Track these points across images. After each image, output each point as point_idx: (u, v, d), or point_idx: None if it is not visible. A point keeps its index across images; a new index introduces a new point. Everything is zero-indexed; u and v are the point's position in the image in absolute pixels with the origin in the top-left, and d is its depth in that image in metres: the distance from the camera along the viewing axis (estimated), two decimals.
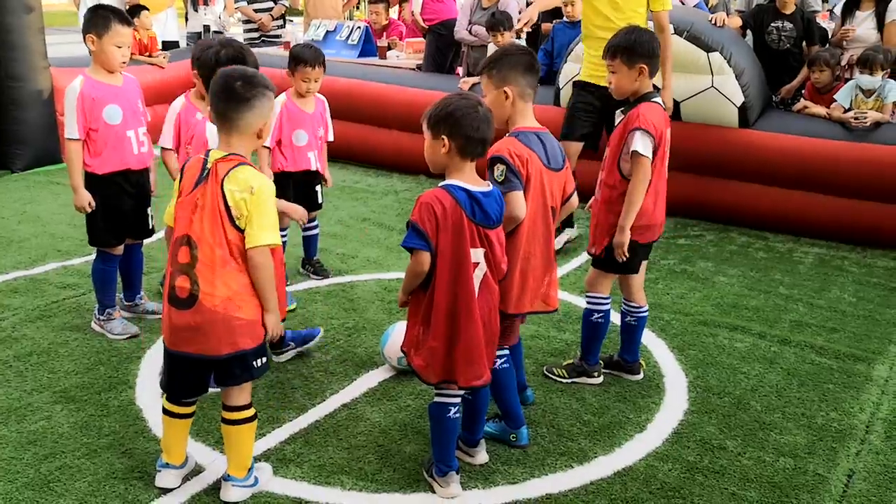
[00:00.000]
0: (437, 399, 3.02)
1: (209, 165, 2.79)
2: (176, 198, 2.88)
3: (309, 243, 5.29)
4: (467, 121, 2.84)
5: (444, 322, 2.89)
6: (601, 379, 3.93)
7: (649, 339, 4.44)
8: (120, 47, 4.11)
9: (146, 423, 3.49)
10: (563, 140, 5.48)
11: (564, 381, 3.93)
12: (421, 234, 2.82)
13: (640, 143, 3.54)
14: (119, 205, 4.21)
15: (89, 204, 4.12)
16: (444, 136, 2.86)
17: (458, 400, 3.02)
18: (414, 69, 8.36)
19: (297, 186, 4.96)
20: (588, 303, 3.90)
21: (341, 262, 5.54)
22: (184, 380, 2.96)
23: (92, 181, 4.14)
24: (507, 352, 3.31)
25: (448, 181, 2.90)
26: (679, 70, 6.31)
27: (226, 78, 2.82)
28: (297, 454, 3.30)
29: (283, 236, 5.12)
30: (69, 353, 4.10)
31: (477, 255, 2.90)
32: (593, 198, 3.86)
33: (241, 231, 2.77)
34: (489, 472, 3.21)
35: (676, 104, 6.42)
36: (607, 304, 3.86)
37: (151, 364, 4.01)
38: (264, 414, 3.57)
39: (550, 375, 3.97)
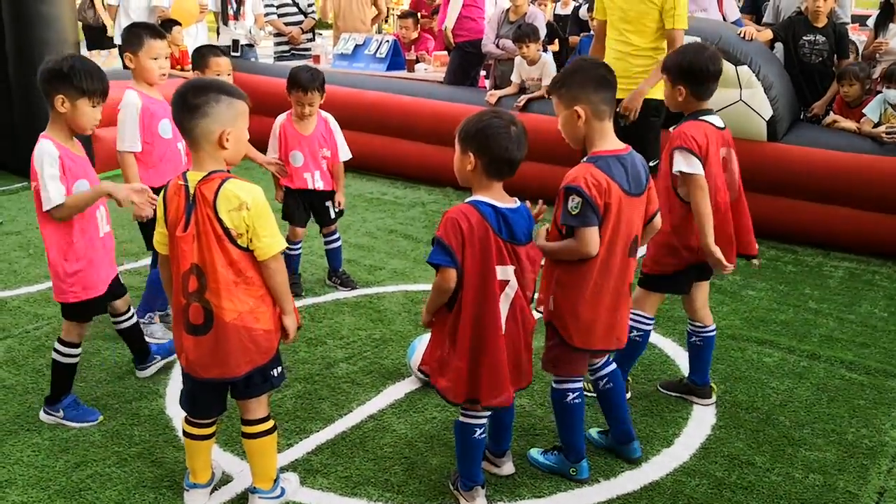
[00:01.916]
0: (462, 419, 3.01)
1: (192, 191, 2.69)
2: (163, 225, 2.79)
3: (332, 256, 5.32)
4: (497, 140, 2.76)
5: (469, 341, 2.84)
6: (629, 394, 3.91)
7: (676, 351, 4.42)
8: (156, 59, 4.20)
9: (176, 433, 3.53)
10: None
11: (591, 394, 3.91)
12: (446, 249, 2.77)
13: (682, 163, 3.43)
14: None
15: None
16: (471, 153, 2.80)
17: (483, 420, 3.00)
18: (441, 82, 8.41)
19: (301, 202, 5.13)
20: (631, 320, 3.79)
21: (368, 273, 5.57)
22: (206, 401, 2.95)
23: None
24: (579, 384, 3.19)
25: (474, 197, 2.85)
26: None
27: (179, 89, 2.74)
28: (325, 465, 3.33)
29: (295, 250, 5.19)
30: (101, 363, 4.16)
31: (506, 272, 2.83)
32: None
33: (244, 249, 2.71)
34: (515, 486, 3.21)
35: None
36: (650, 324, 3.75)
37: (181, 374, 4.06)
38: (292, 424, 3.61)
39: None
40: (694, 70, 3.50)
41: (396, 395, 3.89)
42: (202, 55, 4.87)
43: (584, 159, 3.05)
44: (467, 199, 2.86)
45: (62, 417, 3.57)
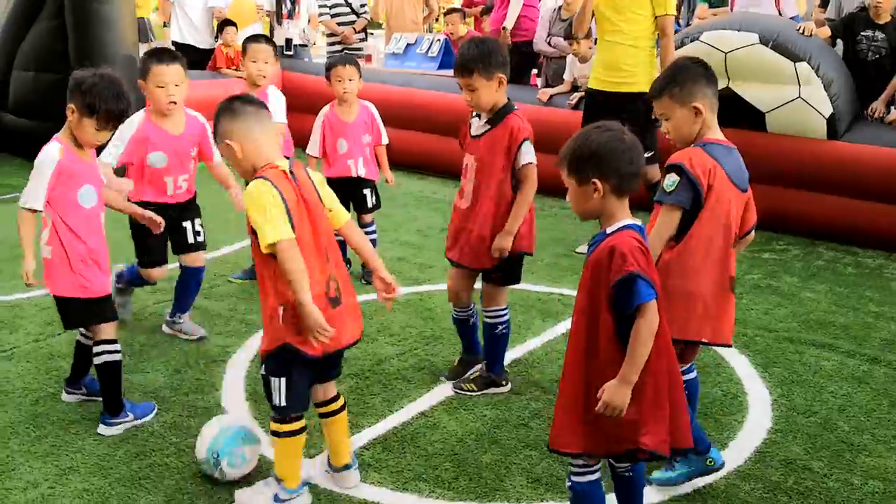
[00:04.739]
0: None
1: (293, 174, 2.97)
2: (284, 211, 2.82)
3: None
4: (617, 154, 2.48)
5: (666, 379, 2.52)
6: (509, 386, 3.89)
7: (731, 355, 4.35)
8: (162, 87, 4.06)
9: None
10: None
11: (474, 394, 3.87)
12: (648, 282, 2.41)
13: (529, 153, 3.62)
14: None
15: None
16: (596, 179, 2.48)
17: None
18: None
19: (340, 192, 5.15)
20: (489, 317, 3.83)
21: (419, 271, 5.59)
22: (307, 388, 3.02)
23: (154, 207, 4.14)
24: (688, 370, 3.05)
25: (622, 222, 2.50)
26: (765, 80, 6.20)
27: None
28: (376, 460, 3.35)
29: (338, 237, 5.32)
30: (159, 356, 4.25)
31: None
32: None
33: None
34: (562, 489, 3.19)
35: (761, 115, 6.30)
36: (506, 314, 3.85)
37: (236, 367, 4.14)
38: None
39: (460, 391, 3.88)
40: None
41: (447, 393, 3.90)
42: (243, 44, 5.21)
43: (693, 144, 3.00)
44: (618, 225, 2.50)
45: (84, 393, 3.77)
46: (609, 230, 2.50)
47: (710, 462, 3.13)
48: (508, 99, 3.74)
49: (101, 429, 3.52)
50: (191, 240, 4.38)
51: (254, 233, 2.86)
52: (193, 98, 4.50)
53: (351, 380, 4.00)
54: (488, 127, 3.69)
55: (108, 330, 3.54)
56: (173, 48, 7.41)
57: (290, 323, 2.85)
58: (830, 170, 6.18)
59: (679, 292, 2.90)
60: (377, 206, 5.42)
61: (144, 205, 4.05)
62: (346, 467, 3.16)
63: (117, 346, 3.56)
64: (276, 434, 2.99)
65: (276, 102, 5.00)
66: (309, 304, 2.78)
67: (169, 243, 4.35)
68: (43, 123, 7.63)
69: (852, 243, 6.25)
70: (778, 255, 6.03)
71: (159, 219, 3.92)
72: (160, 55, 4.18)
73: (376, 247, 5.43)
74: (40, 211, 3.39)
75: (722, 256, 2.97)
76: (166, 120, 4.18)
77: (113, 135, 3.69)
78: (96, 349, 3.53)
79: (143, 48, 10.41)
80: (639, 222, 2.54)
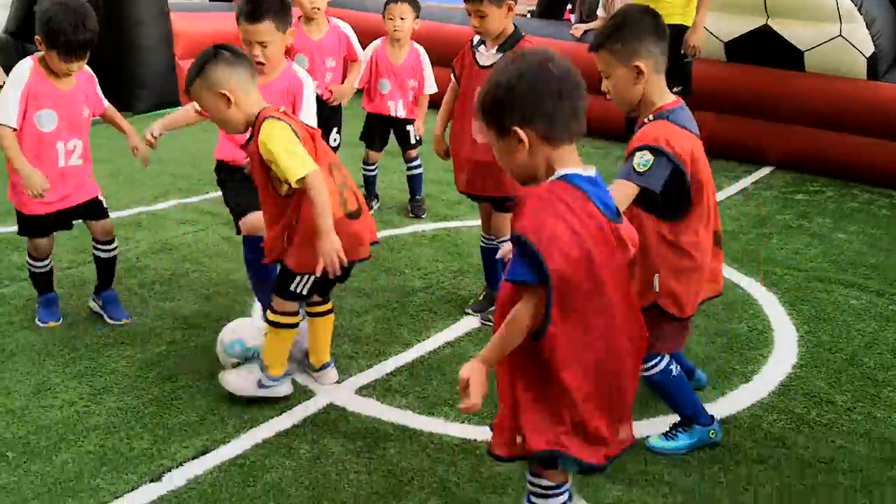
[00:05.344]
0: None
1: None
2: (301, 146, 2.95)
3: (413, 181, 5.51)
4: (540, 90, 1.96)
5: None
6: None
7: (760, 292, 4.33)
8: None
9: None
10: None
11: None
12: (537, 258, 1.96)
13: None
14: None
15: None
16: (517, 128, 1.97)
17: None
18: (525, 15, 8.28)
19: (379, 126, 5.36)
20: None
21: (447, 208, 5.59)
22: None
23: None
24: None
25: (561, 171, 2.02)
26: (804, 17, 6.05)
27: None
28: (403, 386, 3.41)
29: (372, 171, 5.45)
30: (189, 284, 4.32)
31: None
32: None
33: None
34: None
35: (800, 54, 6.16)
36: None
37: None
38: (372, 347, 3.70)
39: (486, 323, 3.89)
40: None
41: (472, 324, 3.94)
42: None
43: (652, 117, 2.72)
44: (550, 179, 2.03)
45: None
46: (546, 181, 2.03)
47: (713, 434, 3.02)
48: (516, 26, 3.70)
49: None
50: None
51: (263, 168, 2.96)
52: None
53: (378, 310, 4.05)
54: (500, 55, 3.63)
55: (30, 245, 3.77)
56: None
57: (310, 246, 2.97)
58: (869, 111, 6.04)
59: (685, 269, 2.77)
60: (420, 142, 5.41)
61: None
62: (325, 366, 3.41)
63: (42, 263, 3.83)
64: (276, 325, 3.18)
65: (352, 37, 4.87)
66: (330, 231, 2.89)
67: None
68: None
69: (888, 185, 6.13)
70: (811, 197, 5.95)
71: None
72: None
73: (421, 182, 5.47)
74: (14, 128, 3.45)
75: (713, 219, 2.84)
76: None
77: (84, 62, 3.56)
78: (27, 259, 3.84)
79: None
80: (590, 173, 2.04)
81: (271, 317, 3.18)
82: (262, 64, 3.49)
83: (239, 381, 3.22)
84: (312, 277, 3.06)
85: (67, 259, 4.51)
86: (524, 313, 1.97)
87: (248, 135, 3.06)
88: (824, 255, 4.88)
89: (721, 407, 3.29)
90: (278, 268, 3.23)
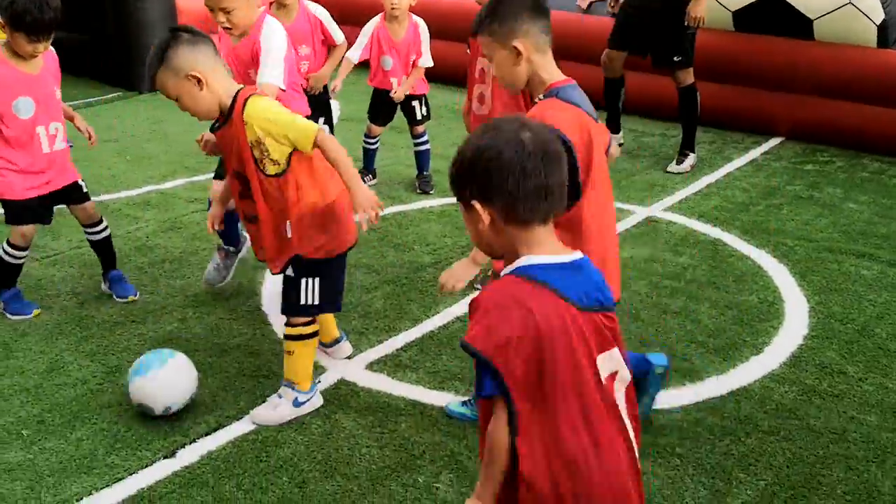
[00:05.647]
0: None
1: None
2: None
3: (420, 157, 5.49)
4: (503, 167, 1.71)
5: None
6: None
7: (770, 264, 4.32)
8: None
9: (272, 328, 3.68)
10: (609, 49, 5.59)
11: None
12: (489, 368, 1.69)
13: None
14: None
15: None
16: (474, 202, 1.75)
17: None
18: None
19: (382, 101, 5.33)
20: None
21: None
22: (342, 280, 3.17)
23: None
24: None
25: (512, 265, 1.76)
26: None
27: None
28: (413, 361, 3.42)
29: (373, 145, 5.45)
30: (199, 262, 4.32)
31: (612, 358, 1.79)
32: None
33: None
34: None
35: (809, 22, 6.09)
36: None
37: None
38: (381, 323, 3.71)
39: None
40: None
41: None
42: None
43: (542, 96, 2.57)
44: (507, 270, 1.77)
45: (2, 309, 3.78)
46: (503, 273, 1.78)
47: (659, 370, 2.91)
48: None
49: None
50: None
51: (247, 150, 2.82)
52: None
53: (387, 286, 4.05)
54: None
55: (16, 234, 3.68)
56: None
57: (321, 224, 2.92)
58: (879, 79, 5.96)
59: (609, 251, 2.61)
60: (427, 117, 5.39)
61: None
62: (337, 341, 3.43)
63: (23, 254, 3.75)
64: (298, 338, 3.02)
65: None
66: (360, 182, 2.80)
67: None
68: (78, 35, 7.66)
69: None
70: (820, 167, 5.90)
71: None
72: None
73: (429, 158, 5.45)
74: None
75: (611, 199, 2.68)
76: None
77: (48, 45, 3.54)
78: (3, 246, 3.72)
79: None
80: (565, 258, 1.75)
81: (290, 331, 3.03)
82: (230, 29, 3.49)
83: (271, 413, 3.04)
84: (318, 280, 2.96)
85: (77, 239, 4.52)
86: (500, 430, 1.70)
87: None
88: (835, 225, 4.86)
89: (732, 378, 3.29)
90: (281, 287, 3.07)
